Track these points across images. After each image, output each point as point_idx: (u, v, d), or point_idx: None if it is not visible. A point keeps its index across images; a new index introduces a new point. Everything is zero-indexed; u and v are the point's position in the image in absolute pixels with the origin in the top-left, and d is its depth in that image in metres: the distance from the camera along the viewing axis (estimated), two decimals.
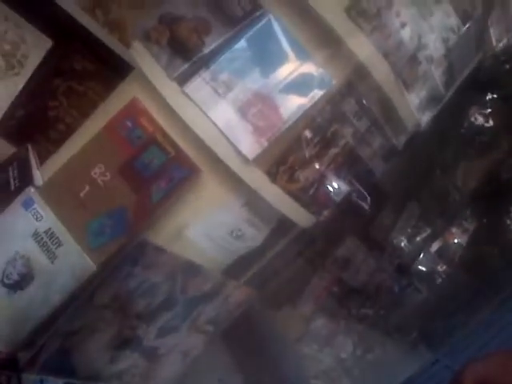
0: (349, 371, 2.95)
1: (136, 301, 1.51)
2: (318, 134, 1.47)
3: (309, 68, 1.48)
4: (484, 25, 1.82)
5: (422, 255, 4.22)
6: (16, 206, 1.49)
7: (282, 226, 1.71)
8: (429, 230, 4.30)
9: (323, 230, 2.32)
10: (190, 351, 1.83)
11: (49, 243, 1.49)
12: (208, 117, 1.38)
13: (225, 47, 1.41)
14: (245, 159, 1.40)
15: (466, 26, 1.63)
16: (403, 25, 1.49)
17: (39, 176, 1.57)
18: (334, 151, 1.53)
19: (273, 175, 1.46)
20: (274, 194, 1.49)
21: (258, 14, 1.43)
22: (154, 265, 1.45)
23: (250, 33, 1.43)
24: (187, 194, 1.43)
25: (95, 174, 1.47)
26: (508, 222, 4.78)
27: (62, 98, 1.77)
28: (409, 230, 3.99)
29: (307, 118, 1.44)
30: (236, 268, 1.76)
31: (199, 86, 1.39)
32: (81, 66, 1.75)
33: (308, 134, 1.45)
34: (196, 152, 1.40)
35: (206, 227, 1.51)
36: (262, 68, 1.48)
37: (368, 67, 1.47)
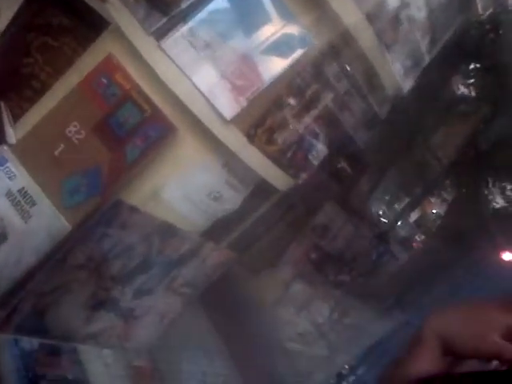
0: (325, 335, 3.00)
1: (111, 262, 1.50)
2: (297, 95, 1.45)
3: (292, 29, 1.45)
4: None
5: (399, 223, 4.25)
6: None
7: (261, 188, 1.70)
8: (407, 199, 4.33)
9: (303, 195, 2.32)
10: (166, 313, 1.84)
11: (22, 202, 1.46)
12: (185, 73, 1.34)
13: (203, 2, 1.37)
14: (223, 118, 1.37)
15: None
16: None
17: (12, 134, 1.53)
18: (313, 113, 1.51)
19: (251, 136, 1.44)
20: (252, 156, 1.47)
21: None
22: (129, 225, 1.44)
23: None
24: (163, 153, 1.41)
25: (70, 132, 1.44)
26: (486, 192, 4.84)
27: (36, 54, 1.71)
28: (387, 198, 4.02)
29: (287, 78, 1.41)
30: (216, 231, 1.75)
31: (177, 41, 1.35)
32: (57, 21, 1.69)
33: (287, 94, 1.43)
34: (172, 110, 1.38)
35: (182, 188, 1.49)
36: (244, 27, 1.44)
37: (352, 31, 1.45)
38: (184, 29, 1.36)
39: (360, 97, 1.67)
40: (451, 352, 0.70)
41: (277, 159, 1.53)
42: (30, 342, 1.48)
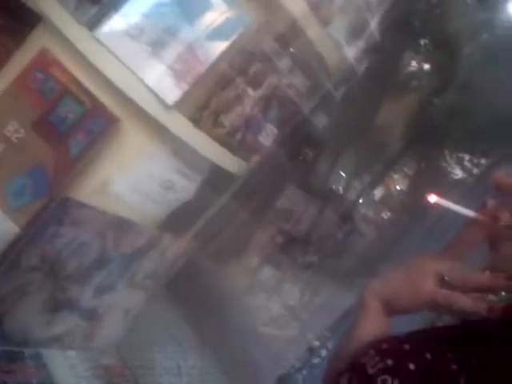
0: (297, 316, 3.02)
1: (66, 261, 1.46)
2: (239, 74, 1.43)
3: (233, 13, 1.45)
4: None
5: (361, 201, 4.31)
6: None
7: (215, 175, 1.68)
8: (368, 177, 4.39)
9: (261, 180, 2.32)
10: (131, 308, 1.81)
11: None
12: (122, 62, 1.31)
13: None
14: (165, 104, 1.35)
15: None
16: None
17: None
18: (258, 93, 1.50)
19: (197, 121, 1.42)
20: (199, 141, 1.45)
21: None
22: (80, 222, 1.41)
23: None
24: (108, 146, 1.38)
25: (8, 131, 1.39)
26: (444, 164, 4.94)
27: None
28: (345, 177, 4.07)
29: (227, 57, 1.40)
30: (175, 223, 1.73)
31: (110, 29, 1.32)
32: None
33: (230, 74, 1.41)
34: (113, 100, 1.34)
35: (131, 179, 1.46)
36: (183, 11, 1.42)
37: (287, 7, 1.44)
38: (117, 17, 1.33)
39: (305, 74, 1.66)
40: (392, 310, 0.71)
41: (226, 142, 1.51)
42: None
